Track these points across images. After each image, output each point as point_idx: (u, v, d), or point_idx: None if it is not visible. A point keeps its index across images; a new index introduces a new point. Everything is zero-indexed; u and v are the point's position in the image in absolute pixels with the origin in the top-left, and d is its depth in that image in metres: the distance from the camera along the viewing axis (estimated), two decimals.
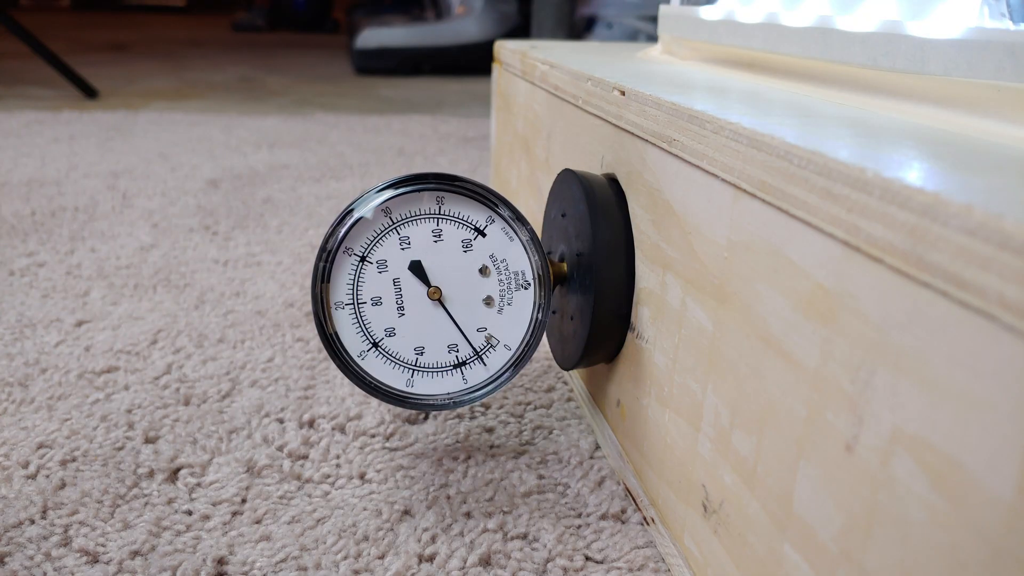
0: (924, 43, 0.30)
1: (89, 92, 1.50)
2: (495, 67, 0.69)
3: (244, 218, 0.79)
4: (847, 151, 0.21)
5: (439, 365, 0.35)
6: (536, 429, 0.42)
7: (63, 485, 0.36)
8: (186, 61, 2.21)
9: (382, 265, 0.35)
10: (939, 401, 0.17)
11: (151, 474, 0.37)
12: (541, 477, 0.38)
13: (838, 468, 0.21)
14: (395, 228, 0.35)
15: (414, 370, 0.35)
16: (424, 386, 0.35)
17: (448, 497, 0.36)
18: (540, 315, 0.35)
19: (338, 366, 0.35)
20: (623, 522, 0.35)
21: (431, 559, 0.32)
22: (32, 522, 0.34)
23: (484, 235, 0.35)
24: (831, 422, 0.21)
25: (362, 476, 0.38)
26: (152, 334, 0.52)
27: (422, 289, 0.35)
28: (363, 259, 0.35)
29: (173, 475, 0.37)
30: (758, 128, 0.24)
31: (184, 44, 2.74)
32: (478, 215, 0.35)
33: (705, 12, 0.48)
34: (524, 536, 0.34)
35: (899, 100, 0.31)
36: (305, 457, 0.39)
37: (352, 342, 0.35)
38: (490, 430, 0.42)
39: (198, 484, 0.37)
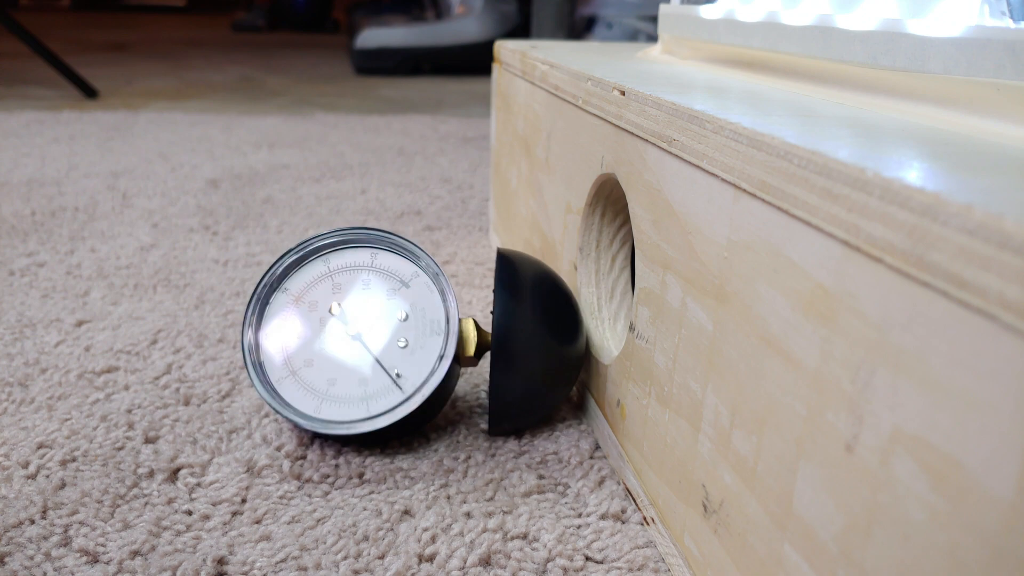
0: (924, 42, 0.30)
1: (89, 92, 1.50)
2: (495, 67, 0.69)
3: (244, 218, 0.79)
4: (847, 151, 0.21)
5: (347, 396, 0.38)
6: (536, 429, 0.42)
7: (63, 485, 0.36)
8: (186, 61, 2.21)
9: (313, 305, 0.40)
10: (939, 401, 0.17)
11: (151, 474, 0.37)
12: (541, 477, 0.38)
13: (838, 468, 0.21)
14: (330, 275, 0.40)
15: (324, 398, 0.38)
16: (330, 412, 0.38)
17: (448, 497, 0.36)
18: (444, 354, 0.38)
19: (258, 388, 0.38)
20: (623, 522, 0.35)
21: (431, 559, 0.32)
22: (32, 522, 0.34)
23: (408, 287, 0.40)
24: (831, 422, 0.21)
25: (361, 476, 0.38)
26: (152, 334, 0.52)
27: (344, 329, 0.39)
28: (297, 300, 0.40)
29: (173, 475, 0.37)
30: (758, 128, 0.24)
31: (184, 44, 2.74)
32: (405, 269, 0.40)
33: (705, 11, 0.48)
34: (524, 536, 0.34)
35: (899, 99, 0.31)
36: (304, 457, 0.39)
37: (273, 368, 0.39)
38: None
39: (198, 484, 0.37)
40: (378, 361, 0.38)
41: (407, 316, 0.39)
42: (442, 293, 0.39)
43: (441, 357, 0.38)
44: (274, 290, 0.40)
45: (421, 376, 0.38)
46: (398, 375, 0.38)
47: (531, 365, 0.39)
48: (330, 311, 0.39)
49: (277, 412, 0.38)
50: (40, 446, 0.39)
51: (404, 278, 0.40)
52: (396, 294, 0.40)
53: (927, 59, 0.30)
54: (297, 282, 0.40)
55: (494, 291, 0.40)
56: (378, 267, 0.40)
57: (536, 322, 0.39)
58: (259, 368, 0.39)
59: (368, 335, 0.39)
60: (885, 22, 0.32)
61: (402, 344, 0.39)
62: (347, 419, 0.37)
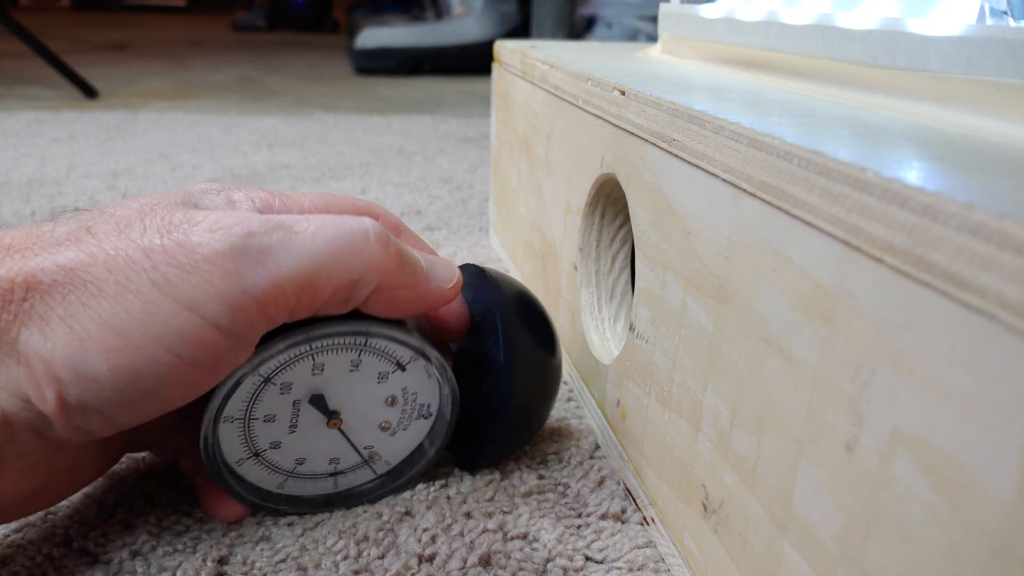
0: (924, 40, 0.30)
1: (89, 92, 1.50)
2: (495, 67, 0.69)
3: None
4: (847, 151, 0.21)
5: (315, 473, 0.35)
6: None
7: None
8: (186, 61, 2.21)
9: (286, 388, 0.32)
10: (939, 401, 0.17)
11: (151, 474, 0.37)
12: (541, 477, 0.38)
13: (838, 468, 0.21)
14: (312, 355, 0.31)
15: (289, 476, 0.34)
16: (295, 488, 0.35)
17: (448, 497, 0.36)
18: (427, 444, 0.36)
19: (208, 468, 0.32)
20: (623, 522, 0.35)
21: (431, 559, 0.32)
22: (32, 523, 0.34)
23: (404, 370, 0.34)
24: (831, 422, 0.21)
25: None
26: None
27: (321, 418, 0.33)
28: (267, 380, 0.31)
29: (173, 475, 0.37)
30: (758, 128, 0.24)
31: (184, 44, 2.74)
32: (403, 352, 0.33)
33: (705, 11, 0.48)
34: (524, 536, 0.34)
35: (899, 98, 0.31)
36: None
37: (232, 449, 0.32)
38: None
39: None
40: (354, 446, 0.34)
41: (394, 400, 0.34)
42: (440, 377, 0.34)
43: (423, 447, 0.36)
44: (245, 376, 0.31)
45: (398, 456, 0.36)
46: (372, 455, 0.35)
47: (527, 397, 0.36)
48: (308, 400, 0.33)
49: (228, 490, 0.33)
50: None
51: (401, 360, 0.33)
52: (388, 378, 0.34)
53: (927, 58, 0.30)
54: (270, 362, 0.31)
55: (476, 319, 0.36)
56: (372, 347, 0.32)
57: (531, 348, 0.36)
58: (214, 449, 0.32)
59: (346, 419, 0.34)
60: (885, 21, 0.32)
61: (384, 427, 0.35)
62: (312, 494, 0.35)
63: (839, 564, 0.21)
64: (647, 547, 0.33)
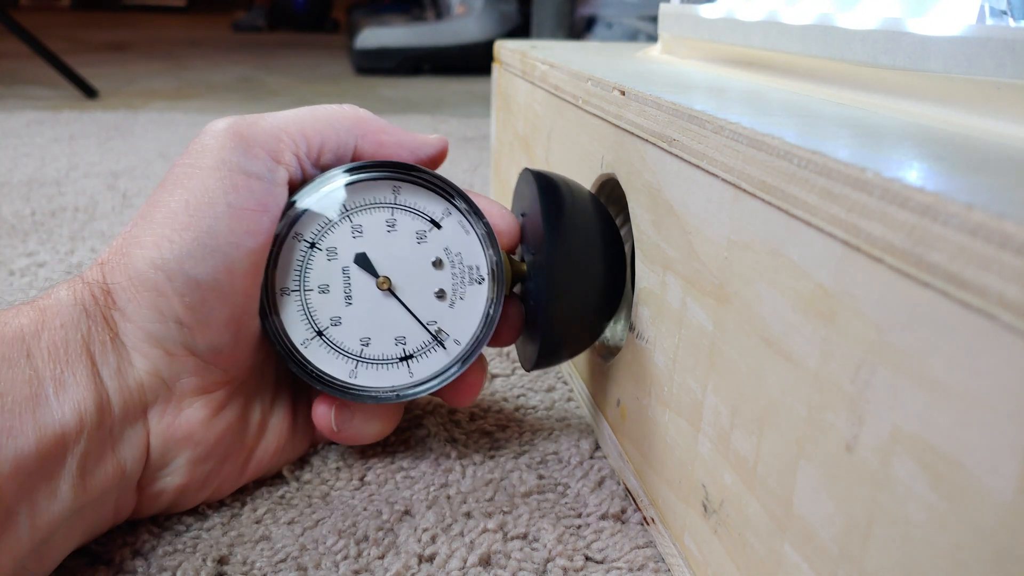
0: (924, 40, 0.30)
1: (89, 92, 1.50)
2: (495, 67, 0.69)
3: None
4: (847, 151, 0.21)
5: (385, 357, 0.34)
6: (536, 429, 0.42)
7: None
8: (186, 61, 2.21)
9: (332, 253, 0.33)
10: (939, 401, 0.17)
11: None
12: (541, 477, 0.38)
13: (838, 468, 0.21)
14: (348, 216, 0.33)
15: (359, 361, 0.34)
16: (368, 378, 0.34)
17: (448, 497, 0.36)
18: (492, 311, 0.35)
19: (279, 353, 0.34)
20: (623, 522, 0.35)
21: (431, 559, 0.32)
22: None
23: (439, 227, 0.34)
24: (831, 422, 0.21)
25: (362, 478, 0.38)
26: None
27: (371, 279, 0.34)
28: (312, 245, 0.33)
29: None
30: (758, 128, 0.24)
31: (184, 44, 2.74)
32: (435, 207, 0.34)
33: (705, 10, 0.48)
34: (524, 536, 0.34)
35: (899, 98, 0.31)
36: (304, 459, 0.39)
37: (296, 330, 0.34)
38: (490, 432, 0.42)
39: None
40: (415, 316, 0.34)
41: (440, 262, 0.34)
42: (481, 236, 0.35)
43: (489, 314, 0.35)
44: (286, 238, 0.33)
45: (467, 334, 0.35)
46: (439, 331, 0.35)
47: (584, 289, 0.35)
48: (354, 260, 0.34)
49: (308, 382, 0.34)
50: None
51: (434, 216, 0.34)
52: (426, 237, 0.34)
53: (927, 58, 0.30)
54: (311, 226, 0.33)
55: (523, 214, 0.36)
56: (403, 204, 0.34)
57: (585, 242, 0.35)
58: (280, 331, 0.34)
59: (399, 285, 0.34)
60: (885, 21, 0.32)
61: (439, 295, 0.34)
62: (388, 385, 0.35)
63: (839, 564, 0.21)
64: (647, 547, 0.33)
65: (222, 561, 0.32)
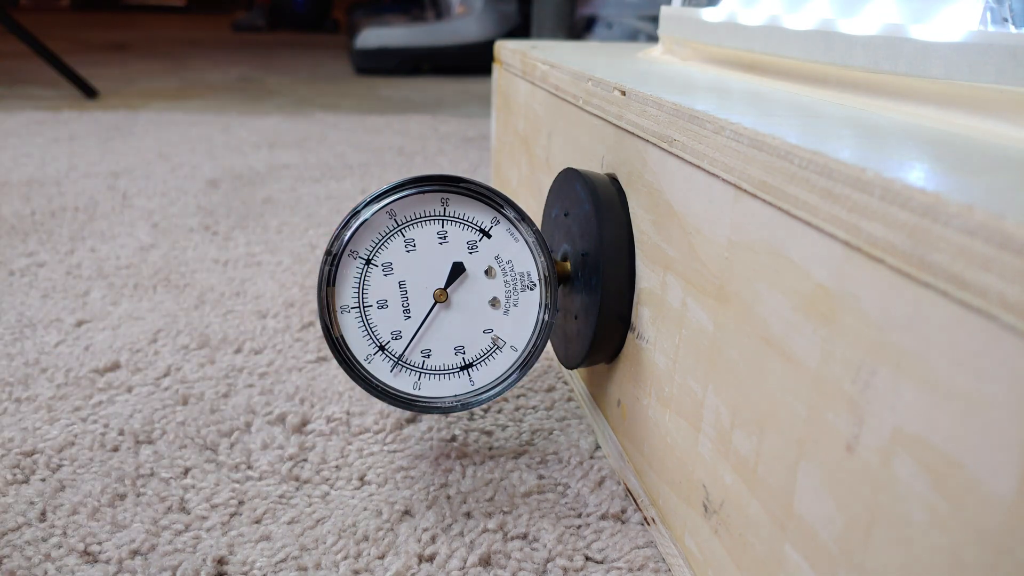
0: (926, 46, 0.30)
1: (89, 92, 1.50)
2: (495, 67, 0.69)
3: (244, 218, 0.79)
4: (848, 151, 0.21)
5: (446, 367, 0.35)
6: (536, 430, 0.42)
7: (62, 487, 0.36)
8: (186, 61, 2.21)
9: (387, 268, 0.35)
10: (939, 401, 0.17)
11: (151, 474, 0.37)
12: (541, 477, 0.38)
13: (839, 468, 0.21)
14: (400, 230, 0.34)
15: (421, 373, 0.35)
16: (431, 388, 0.35)
17: (448, 497, 0.36)
18: (546, 316, 0.35)
19: (345, 370, 0.35)
20: (623, 522, 0.35)
21: (431, 559, 0.32)
22: (31, 524, 0.34)
23: (489, 236, 0.35)
24: (832, 422, 0.21)
25: (362, 478, 0.38)
26: (152, 334, 0.52)
27: (428, 291, 0.35)
28: (368, 262, 0.34)
29: (172, 475, 0.37)
30: (759, 128, 0.24)
31: (184, 44, 2.74)
32: (483, 216, 0.35)
33: (707, 14, 0.48)
34: (524, 536, 0.34)
35: (901, 103, 0.31)
36: (304, 459, 0.39)
37: (358, 346, 0.35)
38: (490, 432, 0.42)
39: (197, 484, 0.37)
40: (473, 324, 0.35)
41: (491, 271, 0.35)
42: (530, 243, 0.35)
43: (543, 319, 0.35)
44: (342, 255, 0.34)
45: (522, 340, 0.35)
46: (495, 339, 0.35)
47: (628, 283, 0.36)
48: (409, 272, 0.35)
49: (374, 396, 0.35)
50: (39, 447, 0.39)
51: (483, 226, 0.35)
52: (478, 247, 0.35)
53: (929, 64, 0.30)
54: (365, 241, 0.34)
55: (566, 213, 0.37)
56: (452, 215, 0.35)
57: (629, 238, 0.36)
58: (342, 345, 0.35)
59: (454, 296, 0.35)
60: (887, 27, 0.32)
61: (494, 303, 0.35)
62: (451, 395, 0.35)
63: (839, 564, 0.21)
64: (647, 547, 0.33)
65: (222, 561, 0.32)
